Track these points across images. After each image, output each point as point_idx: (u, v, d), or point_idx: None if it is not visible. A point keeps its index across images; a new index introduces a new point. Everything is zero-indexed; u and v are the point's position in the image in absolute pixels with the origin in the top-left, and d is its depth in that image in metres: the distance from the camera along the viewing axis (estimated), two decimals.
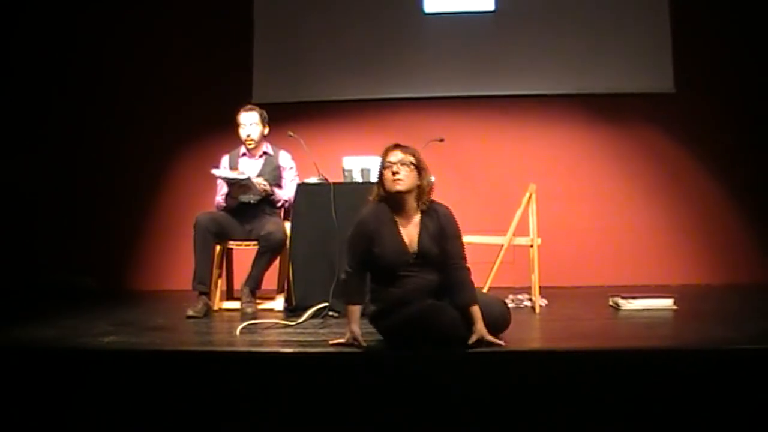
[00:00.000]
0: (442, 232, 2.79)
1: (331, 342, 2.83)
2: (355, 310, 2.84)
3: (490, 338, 2.68)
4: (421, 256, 2.79)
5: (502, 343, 2.70)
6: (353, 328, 2.78)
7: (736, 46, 5.47)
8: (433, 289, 2.80)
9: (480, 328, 2.69)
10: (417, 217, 2.82)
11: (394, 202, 2.81)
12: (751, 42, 5.45)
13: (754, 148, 5.42)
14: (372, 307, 2.88)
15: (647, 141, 5.55)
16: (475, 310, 2.72)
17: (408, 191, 2.78)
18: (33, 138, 5.76)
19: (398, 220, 2.82)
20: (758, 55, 5.44)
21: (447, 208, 2.88)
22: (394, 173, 2.75)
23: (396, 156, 2.78)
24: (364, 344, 2.76)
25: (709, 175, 5.48)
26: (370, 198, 2.89)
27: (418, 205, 2.82)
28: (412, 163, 2.78)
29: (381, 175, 2.82)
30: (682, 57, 5.47)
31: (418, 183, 2.80)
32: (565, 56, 5.53)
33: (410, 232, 2.81)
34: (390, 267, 2.79)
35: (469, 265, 2.83)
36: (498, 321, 2.81)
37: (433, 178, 2.89)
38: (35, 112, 5.79)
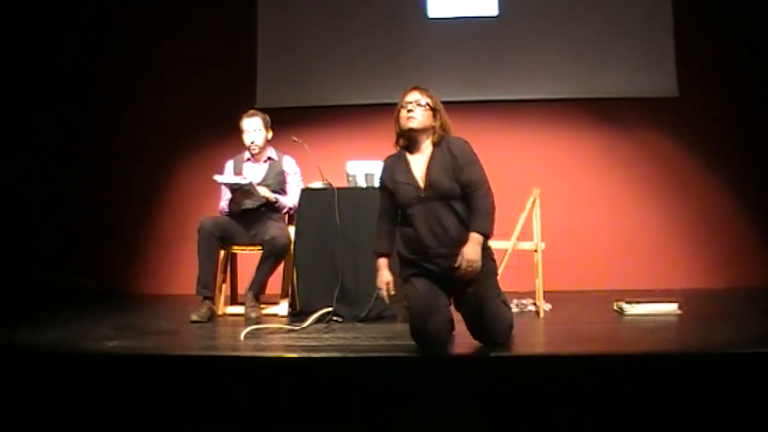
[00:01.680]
0: (455, 161, 2.81)
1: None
2: (381, 260, 2.90)
3: (465, 267, 2.67)
4: (431, 189, 2.80)
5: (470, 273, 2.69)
6: (382, 273, 2.86)
7: (739, 50, 5.45)
8: (445, 230, 2.77)
9: (465, 251, 2.69)
10: (429, 152, 2.87)
11: (408, 142, 2.89)
12: (755, 46, 5.44)
13: (758, 152, 5.40)
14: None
15: (651, 145, 5.54)
16: (473, 236, 2.71)
17: (421, 129, 2.85)
18: (34, 139, 5.77)
19: (410, 157, 2.89)
20: (762, 60, 5.42)
21: (462, 139, 2.91)
22: (408, 111, 2.83)
23: (413, 96, 2.87)
24: (392, 292, 2.84)
25: (713, 178, 5.46)
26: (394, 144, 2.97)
27: (431, 142, 2.87)
28: (427, 104, 2.86)
29: (398, 114, 2.89)
30: (685, 61, 5.45)
31: (432, 124, 2.86)
32: (569, 60, 5.53)
33: (420, 165, 2.86)
34: (402, 203, 2.85)
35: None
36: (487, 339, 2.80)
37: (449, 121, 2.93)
38: (37, 113, 5.80)
